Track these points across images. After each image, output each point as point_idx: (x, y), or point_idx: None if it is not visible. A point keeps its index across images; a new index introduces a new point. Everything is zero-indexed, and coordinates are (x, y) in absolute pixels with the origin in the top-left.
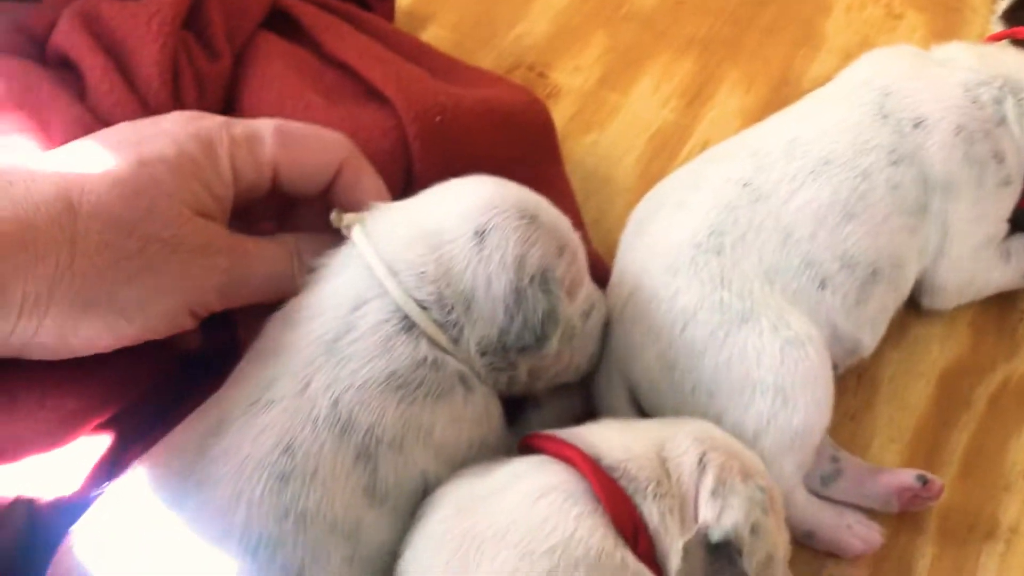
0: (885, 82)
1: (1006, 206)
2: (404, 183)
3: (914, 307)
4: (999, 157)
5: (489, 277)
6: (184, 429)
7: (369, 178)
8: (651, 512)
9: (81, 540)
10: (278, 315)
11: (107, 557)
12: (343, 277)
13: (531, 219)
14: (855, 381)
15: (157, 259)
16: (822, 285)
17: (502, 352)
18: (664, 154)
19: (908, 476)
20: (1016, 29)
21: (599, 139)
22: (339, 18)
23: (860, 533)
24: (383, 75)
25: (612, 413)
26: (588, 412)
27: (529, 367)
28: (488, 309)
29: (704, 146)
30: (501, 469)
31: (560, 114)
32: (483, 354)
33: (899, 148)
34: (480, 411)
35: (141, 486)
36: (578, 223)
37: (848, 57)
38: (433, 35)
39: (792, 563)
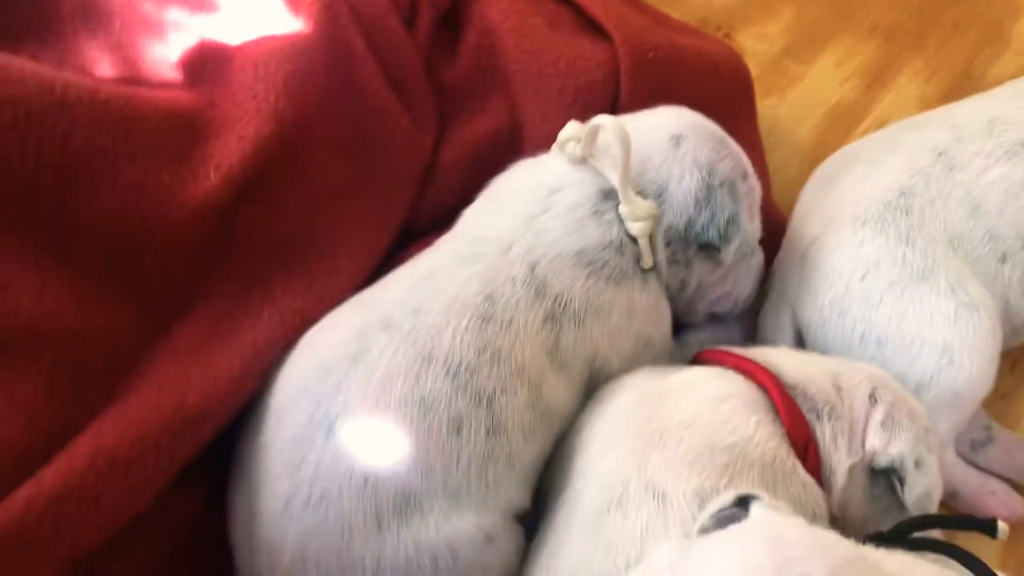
0: None
1: None
2: (610, 110)
3: None
4: None
5: (683, 172)
6: (397, 272)
7: None
8: (823, 431)
9: None
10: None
11: None
12: (544, 166)
13: (722, 140)
14: (1009, 364)
15: None
16: (1003, 259)
17: (684, 245)
18: (840, 128)
19: None
20: None
21: (779, 104)
22: None
23: (1004, 500)
24: (604, 11)
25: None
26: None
27: (699, 278)
28: (680, 200)
29: (880, 126)
30: (680, 373)
31: None
32: (668, 244)
33: None
34: (652, 305)
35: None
36: (763, 173)
37: None
38: None
39: None
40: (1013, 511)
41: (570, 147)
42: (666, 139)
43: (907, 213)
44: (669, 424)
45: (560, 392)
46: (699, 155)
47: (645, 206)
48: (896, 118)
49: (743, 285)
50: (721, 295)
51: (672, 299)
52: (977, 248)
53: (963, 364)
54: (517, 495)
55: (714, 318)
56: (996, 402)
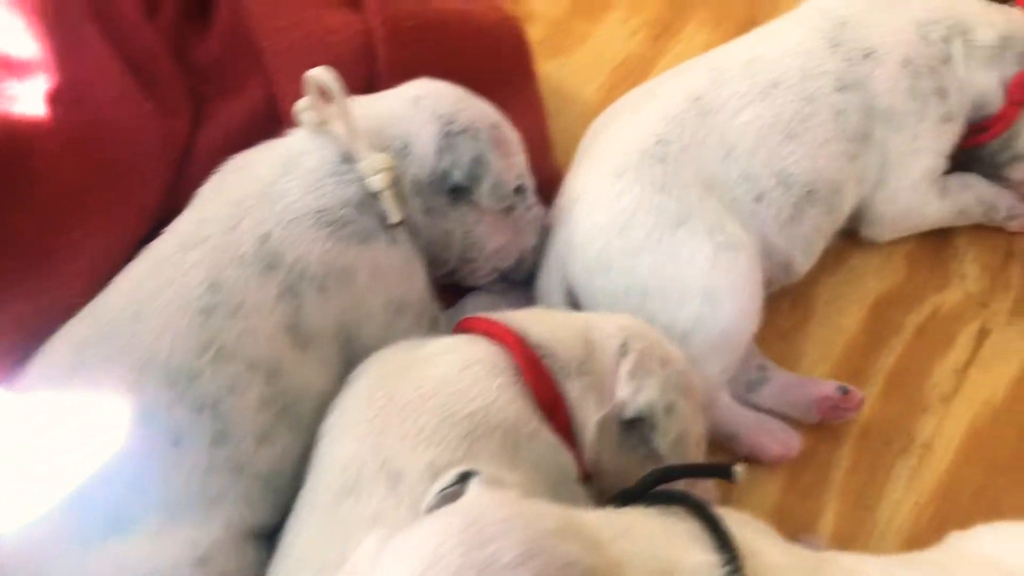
0: (842, 12)
1: (946, 142)
2: (367, 85)
3: (854, 239)
4: (942, 93)
5: (423, 124)
6: (124, 272)
7: None
8: (572, 388)
9: None
10: (222, 168)
11: None
12: (284, 139)
13: (464, 96)
14: (790, 303)
15: None
16: (758, 198)
17: (434, 193)
18: (627, 83)
19: (829, 386)
20: None
21: (565, 64)
22: None
23: (780, 438)
24: None
25: None
26: None
27: (465, 228)
28: (421, 149)
29: None
30: (431, 344)
31: (529, 38)
32: (417, 191)
33: (846, 76)
34: (400, 264)
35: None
36: (542, 135)
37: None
38: None
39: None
40: (789, 448)
41: (307, 116)
42: (408, 99)
43: (663, 161)
44: (410, 399)
45: (309, 374)
46: (438, 107)
47: (380, 158)
48: None
49: (523, 237)
50: (498, 247)
51: (443, 256)
52: (733, 190)
53: (725, 305)
54: (249, 510)
55: (505, 280)
56: (777, 342)
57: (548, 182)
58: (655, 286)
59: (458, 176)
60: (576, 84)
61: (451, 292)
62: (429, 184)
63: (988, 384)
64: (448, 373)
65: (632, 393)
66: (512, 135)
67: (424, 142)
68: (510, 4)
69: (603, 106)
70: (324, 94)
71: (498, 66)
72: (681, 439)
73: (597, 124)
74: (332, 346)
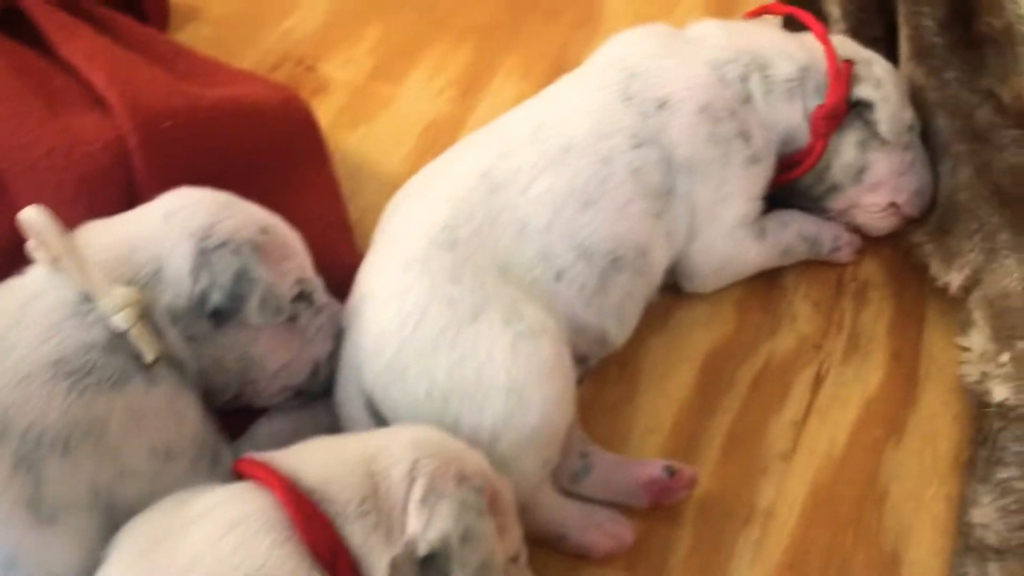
0: (631, 63)
1: (756, 184)
2: (127, 199)
3: (678, 291)
4: (745, 136)
5: (174, 244)
6: None
7: None
8: (353, 533)
9: None
10: None
11: None
12: (26, 278)
13: (225, 203)
14: (616, 371)
15: None
16: (559, 276)
17: (196, 319)
18: (437, 147)
19: (656, 468)
20: (771, 5)
21: (368, 133)
22: (81, 17)
23: (610, 531)
24: (109, 78)
25: (353, 426)
26: (335, 428)
27: (240, 350)
28: (174, 273)
29: None
30: (199, 498)
31: (328, 109)
32: (175, 320)
33: (642, 130)
34: (163, 406)
35: None
36: (340, 221)
37: None
38: (195, 32)
39: (546, 567)
40: (622, 540)
41: (39, 254)
42: (158, 216)
43: (452, 248)
44: (169, 574)
45: (57, 556)
46: (191, 222)
47: (122, 293)
48: None
49: (313, 346)
50: (284, 364)
51: (220, 383)
52: (532, 270)
53: (532, 398)
54: None
55: (303, 394)
56: (605, 416)
57: (351, 271)
58: (455, 387)
59: (218, 298)
60: (381, 155)
61: (244, 415)
62: (187, 311)
63: (827, 434)
64: (210, 539)
65: (423, 526)
66: (288, 236)
67: (177, 264)
68: (305, 73)
69: (412, 174)
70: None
71: (285, 151)
72: (486, 567)
73: (393, 203)
74: (88, 517)
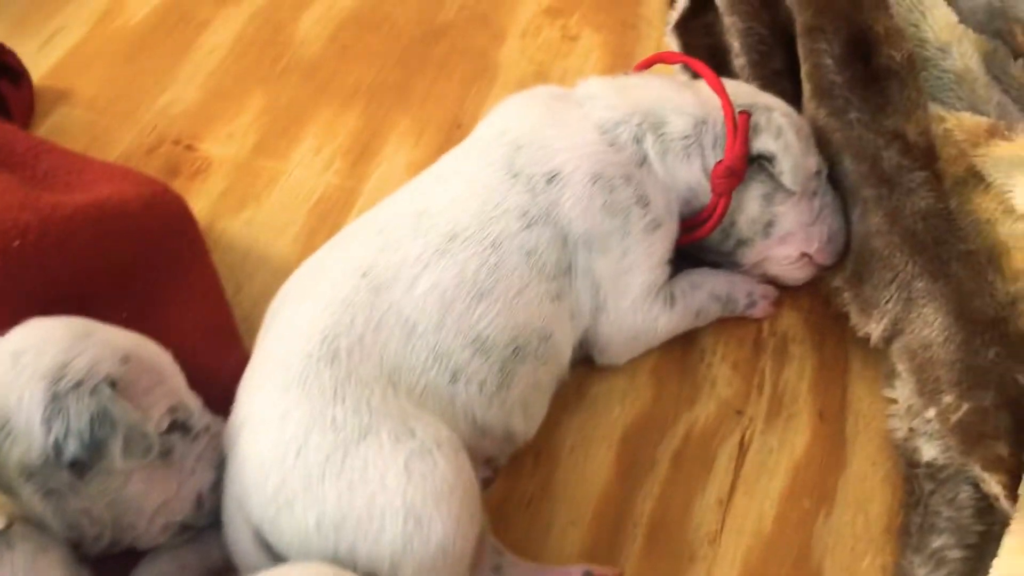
0: (516, 135)
1: (660, 250)
2: None
3: (592, 362)
4: (643, 201)
5: (23, 391)
6: None
7: None
8: None
9: None
10: None
11: None
12: None
13: (80, 334)
14: (531, 460)
15: None
16: (454, 378)
17: (54, 472)
18: (328, 224)
19: (575, 574)
20: (664, 55)
21: (254, 215)
22: None
23: None
24: None
25: (243, 561)
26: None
27: (107, 499)
28: (24, 424)
29: None
30: None
31: (210, 191)
32: (29, 477)
33: (532, 208)
34: (22, 571)
35: None
36: (223, 325)
37: (524, 88)
38: (66, 116)
39: None
40: None
41: None
42: (4, 359)
43: (333, 362)
44: None
45: None
46: (41, 362)
47: None
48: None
49: (195, 477)
50: (163, 502)
51: (92, 532)
52: (425, 375)
53: (432, 519)
54: None
55: (190, 529)
56: (523, 513)
57: (238, 378)
58: (348, 516)
59: (74, 448)
60: (269, 238)
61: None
62: (42, 465)
63: (755, 510)
64: None
65: None
66: (156, 359)
67: (27, 413)
68: (184, 152)
69: (304, 255)
70: None
71: (157, 256)
72: None
73: (273, 306)
74: None
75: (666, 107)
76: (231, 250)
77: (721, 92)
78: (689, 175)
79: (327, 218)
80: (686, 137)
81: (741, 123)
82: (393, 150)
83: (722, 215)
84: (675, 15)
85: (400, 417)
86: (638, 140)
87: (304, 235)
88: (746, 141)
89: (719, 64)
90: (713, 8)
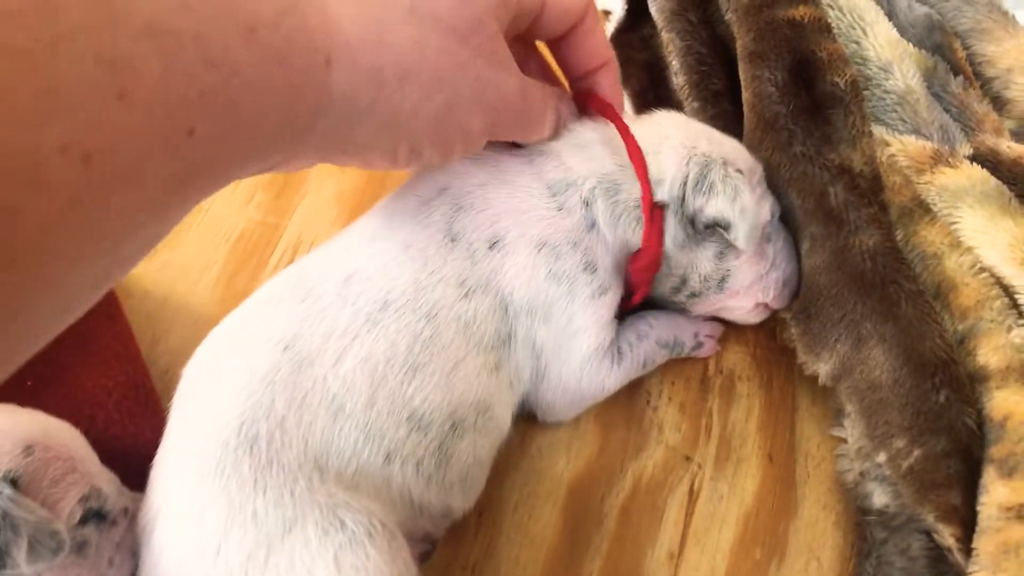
0: (458, 194)
1: (608, 313)
2: None
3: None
4: (591, 267)
5: None
6: None
7: (601, 31)
8: None
9: None
10: None
11: None
12: None
13: None
14: (475, 522)
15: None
16: (388, 459)
17: None
18: (251, 264)
19: None
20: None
21: (171, 260)
22: None
23: None
24: None
25: None
26: None
27: None
28: None
29: (298, 247)
30: None
31: None
32: None
33: (471, 277)
34: None
35: None
36: (139, 386)
37: None
38: None
39: None
40: None
41: None
42: None
43: (252, 449)
44: None
45: None
46: None
47: None
48: (313, 232)
49: (116, 568)
50: None
51: None
52: (356, 457)
53: None
54: None
55: None
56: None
57: (158, 441)
58: None
59: None
60: (188, 284)
61: None
62: None
63: (706, 564)
64: None
65: None
66: (64, 446)
67: None
68: None
69: (226, 301)
70: None
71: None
72: None
73: (193, 365)
74: None
75: (626, 171)
76: (146, 298)
77: (643, 178)
78: (639, 241)
79: (250, 258)
80: (639, 205)
81: (656, 218)
82: (318, 181)
83: (646, 294)
84: (610, 27)
85: (328, 506)
86: (588, 204)
87: (225, 278)
88: (661, 235)
89: (657, 79)
90: (651, 20)
